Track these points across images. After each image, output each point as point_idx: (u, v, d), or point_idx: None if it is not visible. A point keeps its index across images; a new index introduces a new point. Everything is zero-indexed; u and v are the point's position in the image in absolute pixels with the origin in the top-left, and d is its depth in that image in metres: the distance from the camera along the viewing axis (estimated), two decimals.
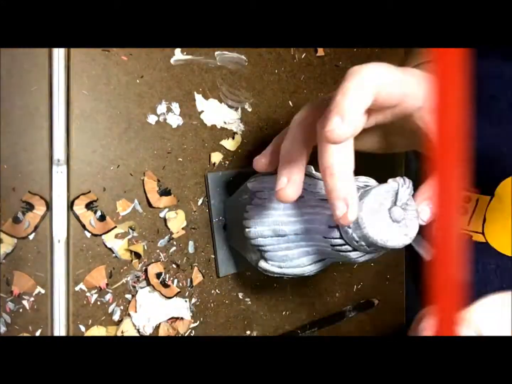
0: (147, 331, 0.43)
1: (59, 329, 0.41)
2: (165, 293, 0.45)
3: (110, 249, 0.43)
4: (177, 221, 0.46)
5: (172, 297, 0.45)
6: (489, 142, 0.43)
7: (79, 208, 0.41)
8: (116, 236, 0.43)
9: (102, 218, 0.42)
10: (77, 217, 0.41)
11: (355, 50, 0.58)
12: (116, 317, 0.43)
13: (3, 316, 0.39)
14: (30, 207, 0.40)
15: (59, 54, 0.40)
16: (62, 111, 0.41)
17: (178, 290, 0.45)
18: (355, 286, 0.59)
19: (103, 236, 0.42)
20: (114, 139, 0.43)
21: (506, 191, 0.43)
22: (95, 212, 0.42)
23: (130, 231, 0.44)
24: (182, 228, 0.46)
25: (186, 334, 0.47)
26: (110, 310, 0.43)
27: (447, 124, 0.11)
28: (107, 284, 0.43)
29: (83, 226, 0.41)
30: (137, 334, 0.44)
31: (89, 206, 0.42)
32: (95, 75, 0.42)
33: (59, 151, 0.41)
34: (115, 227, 0.43)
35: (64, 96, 0.41)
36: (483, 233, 0.44)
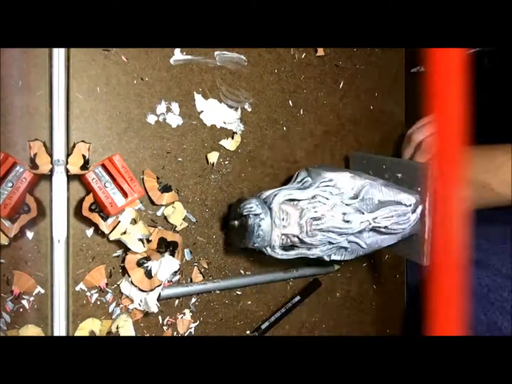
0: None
1: (59, 329, 0.41)
2: (144, 286, 0.43)
3: (118, 242, 0.43)
4: (177, 214, 0.45)
5: (152, 290, 0.43)
6: None
7: (85, 210, 0.41)
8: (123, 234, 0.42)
9: (105, 218, 0.42)
10: (89, 220, 0.41)
11: (355, 50, 0.58)
12: (115, 317, 0.43)
13: (3, 315, 0.39)
14: (27, 208, 0.40)
15: (59, 54, 0.40)
16: (62, 111, 0.41)
17: (159, 283, 0.44)
18: (355, 286, 0.59)
19: (110, 235, 0.42)
20: (113, 139, 0.43)
21: None
22: (99, 213, 0.42)
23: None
24: (184, 220, 0.46)
25: (186, 334, 0.47)
26: (110, 309, 0.43)
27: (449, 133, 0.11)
28: (106, 284, 0.43)
29: (96, 227, 0.41)
30: (132, 328, 0.44)
31: (90, 208, 0.41)
32: (95, 75, 0.42)
33: (59, 151, 0.41)
34: (119, 222, 0.42)
35: (64, 96, 0.41)
36: None
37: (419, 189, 0.45)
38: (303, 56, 0.54)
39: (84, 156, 0.41)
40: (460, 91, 0.12)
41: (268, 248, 0.43)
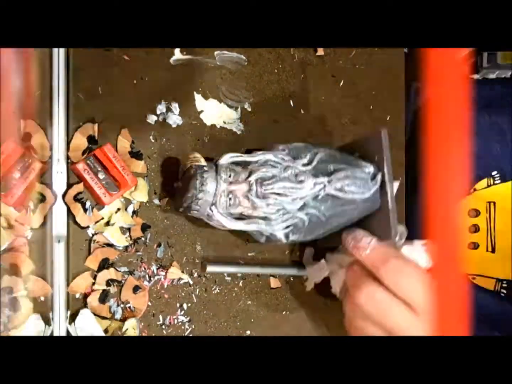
0: None
1: (59, 329, 0.41)
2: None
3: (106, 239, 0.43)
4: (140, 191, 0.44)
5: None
6: None
7: (69, 200, 0.41)
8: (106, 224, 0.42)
9: (89, 210, 0.42)
10: (68, 208, 0.41)
11: (355, 50, 0.58)
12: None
13: (2, 316, 0.39)
14: (43, 198, 0.40)
15: (59, 54, 0.40)
16: (62, 111, 0.41)
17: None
18: None
19: (93, 227, 0.42)
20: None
21: None
22: (82, 204, 0.41)
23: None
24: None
25: (186, 334, 0.47)
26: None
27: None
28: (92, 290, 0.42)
29: (73, 217, 0.41)
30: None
31: (76, 197, 0.41)
32: (95, 75, 0.42)
33: (59, 151, 0.41)
34: (102, 218, 0.42)
35: (64, 96, 0.41)
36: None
37: (376, 158, 0.43)
38: (303, 56, 0.54)
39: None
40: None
41: (213, 209, 0.39)
